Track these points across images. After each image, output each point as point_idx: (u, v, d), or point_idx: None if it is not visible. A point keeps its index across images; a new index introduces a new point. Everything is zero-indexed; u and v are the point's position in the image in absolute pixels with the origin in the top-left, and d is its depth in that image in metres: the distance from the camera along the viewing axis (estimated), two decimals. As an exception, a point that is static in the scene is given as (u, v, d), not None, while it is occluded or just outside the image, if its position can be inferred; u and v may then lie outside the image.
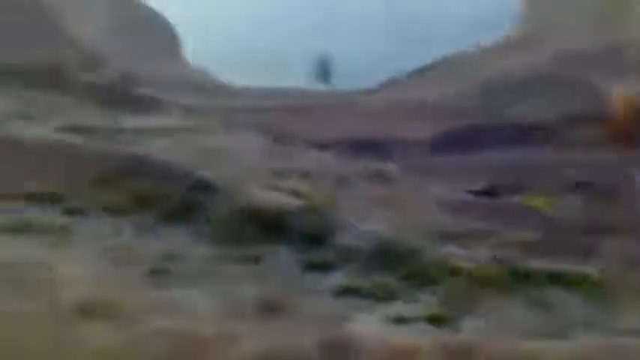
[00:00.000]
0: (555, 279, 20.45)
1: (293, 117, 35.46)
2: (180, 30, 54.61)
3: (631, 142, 32.44)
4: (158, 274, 19.63)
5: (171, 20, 55.69)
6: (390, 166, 29.34)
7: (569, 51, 46.46)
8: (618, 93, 33.12)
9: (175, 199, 23.07)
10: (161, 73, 45.42)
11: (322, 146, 31.55)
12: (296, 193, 23.99)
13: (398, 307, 19.54)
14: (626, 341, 18.20)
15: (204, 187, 23.80)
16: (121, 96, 37.22)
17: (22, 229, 19.84)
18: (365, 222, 23.09)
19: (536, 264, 21.18)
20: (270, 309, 19.24)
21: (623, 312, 19.31)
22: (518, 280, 20.51)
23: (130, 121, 32.19)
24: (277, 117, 35.05)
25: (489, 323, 19.15)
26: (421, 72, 46.44)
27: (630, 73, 39.58)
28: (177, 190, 23.48)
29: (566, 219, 25.19)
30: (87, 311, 13.13)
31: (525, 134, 32.99)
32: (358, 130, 33.11)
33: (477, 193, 27.37)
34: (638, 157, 30.84)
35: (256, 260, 21.03)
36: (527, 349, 17.43)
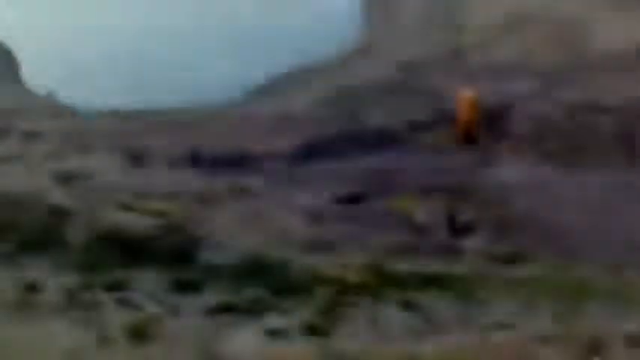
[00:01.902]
0: (425, 280, 20.75)
1: (151, 136, 34.72)
2: (16, 47, 52.55)
3: (476, 141, 33.41)
4: (19, 307, 18.74)
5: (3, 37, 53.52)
6: (254, 180, 29.08)
7: (412, 58, 47.50)
8: (461, 95, 34.06)
9: (30, 228, 22.08)
10: (1, 100, 43.65)
11: (182, 163, 30.99)
12: (158, 213, 23.44)
13: (272, 320, 19.33)
14: (496, 335, 18.69)
15: (60, 213, 22.89)
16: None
17: None
18: (231, 238, 22.76)
19: (405, 266, 21.43)
20: (139, 335, 18.66)
21: (492, 307, 19.80)
22: (389, 283, 20.69)
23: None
24: (134, 137, 34.22)
25: (364, 328, 19.24)
26: (273, 85, 46.61)
27: (471, 75, 40.88)
28: (32, 218, 22.49)
29: (429, 220, 25.67)
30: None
31: (381, 140, 33.48)
32: (218, 146, 32.71)
33: (342, 200, 27.45)
34: (486, 156, 31.81)
35: (121, 285, 20.41)
36: (402, 351, 17.58)
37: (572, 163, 30.76)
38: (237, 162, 30.90)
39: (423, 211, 26.39)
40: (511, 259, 22.56)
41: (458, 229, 25.35)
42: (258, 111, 40.03)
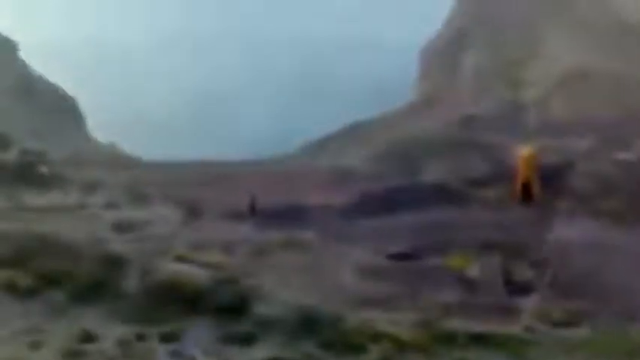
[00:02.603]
0: (479, 340, 20.43)
1: (207, 188, 35.07)
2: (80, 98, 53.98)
3: (535, 198, 33.09)
4: (74, 356, 18.90)
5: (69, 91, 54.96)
6: (308, 234, 29.09)
7: (471, 113, 47.46)
8: (520, 152, 33.83)
9: (85, 277, 22.32)
10: (64, 149, 44.55)
11: (238, 216, 31.17)
12: (212, 266, 23.52)
13: (324, 377, 19.26)
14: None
15: (115, 262, 23.10)
16: (23, 174, 36.27)
17: None
18: (284, 291, 22.71)
19: (459, 325, 21.15)
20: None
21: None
22: (442, 341, 20.44)
23: (33, 200, 31.31)
24: (189, 189, 34.58)
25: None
26: (329, 139, 46.90)
27: (530, 132, 40.68)
28: (87, 267, 22.74)
29: (484, 279, 25.34)
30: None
31: (438, 196, 33.35)
32: (273, 199, 32.86)
33: (396, 257, 27.27)
34: (544, 213, 31.45)
35: (174, 337, 20.49)
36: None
37: (631, 222, 30.23)
38: (293, 215, 30.98)
39: (478, 269, 26.06)
40: (567, 320, 22.11)
41: (514, 288, 24.95)
42: (315, 164, 40.20)
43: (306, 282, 24.18)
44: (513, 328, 21.33)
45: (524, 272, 26.09)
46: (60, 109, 57.32)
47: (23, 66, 60.45)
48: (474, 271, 26.01)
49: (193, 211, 31.01)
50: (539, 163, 33.63)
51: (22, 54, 61.17)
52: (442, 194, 33.78)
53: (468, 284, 25.00)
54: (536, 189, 33.32)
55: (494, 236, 28.62)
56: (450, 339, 20.51)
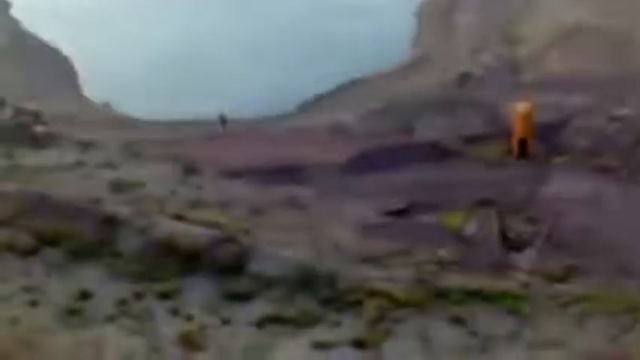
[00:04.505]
0: (476, 295, 20.59)
1: (203, 147, 34.96)
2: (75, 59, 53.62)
3: (531, 155, 33.11)
4: (73, 314, 19.07)
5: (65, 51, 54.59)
6: (305, 191, 29.13)
7: (466, 71, 47.27)
8: (516, 109, 33.75)
9: (84, 236, 22.39)
10: (59, 108, 44.31)
11: (235, 175, 31.11)
12: (210, 224, 23.56)
13: (321, 333, 19.43)
14: (545, 353, 18.50)
15: (114, 222, 23.14)
16: (18, 134, 36.13)
17: None
18: (282, 249, 22.83)
19: (456, 282, 21.30)
20: (190, 344, 18.86)
21: (544, 324, 19.60)
22: (439, 298, 20.59)
23: (30, 159, 31.23)
24: (187, 148, 34.48)
25: (412, 344, 19.20)
26: (325, 97, 46.76)
27: (525, 89, 40.57)
28: (86, 226, 22.78)
29: (481, 235, 25.46)
30: (6, 356, 12.54)
31: (433, 153, 33.34)
32: (271, 157, 32.81)
33: (393, 213, 27.37)
34: (540, 170, 31.51)
35: (173, 294, 20.62)
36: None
37: (626, 177, 30.31)
38: (290, 173, 30.96)
39: (474, 225, 26.17)
40: (563, 276, 22.29)
41: (510, 245, 25.10)
42: (311, 123, 40.12)
43: (304, 240, 24.27)
44: (509, 284, 21.50)
45: (520, 229, 26.22)
46: (54, 67, 57.06)
47: (16, 25, 60.00)
48: (470, 228, 26.13)
49: (191, 170, 30.95)
50: (535, 120, 33.59)
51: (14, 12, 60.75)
52: (438, 151, 33.78)
53: (464, 241, 25.14)
54: (532, 146, 33.33)
55: (490, 193, 28.70)
56: (445, 295, 20.68)
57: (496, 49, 49.72)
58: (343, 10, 55.55)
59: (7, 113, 39.18)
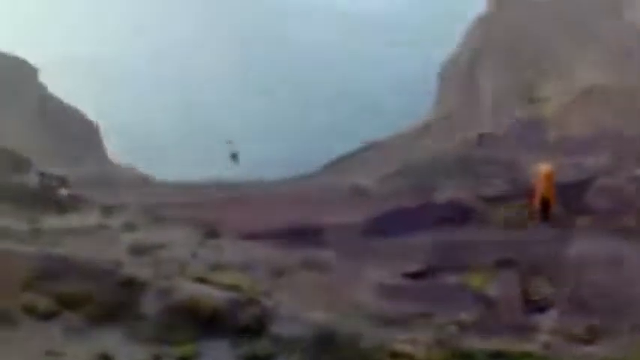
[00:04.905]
0: (498, 357, 20.41)
1: (224, 209, 35.17)
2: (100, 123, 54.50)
3: (552, 215, 32.99)
4: (93, 377, 19.05)
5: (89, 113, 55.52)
6: (325, 253, 29.13)
7: (487, 131, 47.48)
8: (538, 169, 33.73)
9: (104, 299, 22.46)
10: (84, 171, 44.87)
11: (255, 237, 31.22)
12: (231, 286, 23.61)
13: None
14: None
15: (135, 284, 23.22)
16: (43, 198, 36.53)
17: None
18: (303, 311, 22.78)
19: (477, 343, 21.13)
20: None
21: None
22: (460, 360, 20.44)
23: (53, 223, 31.51)
24: (208, 210, 34.70)
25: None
26: (347, 158, 47.09)
27: (547, 149, 40.63)
28: (106, 289, 22.87)
29: (502, 297, 25.29)
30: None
31: (454, 214, 33.31)
32: (291, 219, 32.92)
33: (413, 275, 27.28)
34: (562, 230, 31.35)
35: (192, 357, 20.58)
36: None
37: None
38: (309, 235, 31.01)
39: (496, 286, 26.01)
40: (586, 337, 22.04)
41: (532, 306, 24.90)
42: (330, 184, 40.31)
43: (324, 301, 24.22)
44: (532, 346, 21.29)
45: (542, 290, 26.02)
46: (79, 132, 57.77)
47: (42, 89, 61.03)
48: (491, 289, 25.98)
49: (211, 232, 31.12)
50: (557, 181, 33.53)
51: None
52: (459, 212, 33.75)
53: (486, 302, 24.96)
54: (554, 206, 33.22)
55: (511, 254, 28.54)
56: (466, 357, 20.50)
57: (517, 109, 49.95)
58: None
59: (33, 178, 39.68)
